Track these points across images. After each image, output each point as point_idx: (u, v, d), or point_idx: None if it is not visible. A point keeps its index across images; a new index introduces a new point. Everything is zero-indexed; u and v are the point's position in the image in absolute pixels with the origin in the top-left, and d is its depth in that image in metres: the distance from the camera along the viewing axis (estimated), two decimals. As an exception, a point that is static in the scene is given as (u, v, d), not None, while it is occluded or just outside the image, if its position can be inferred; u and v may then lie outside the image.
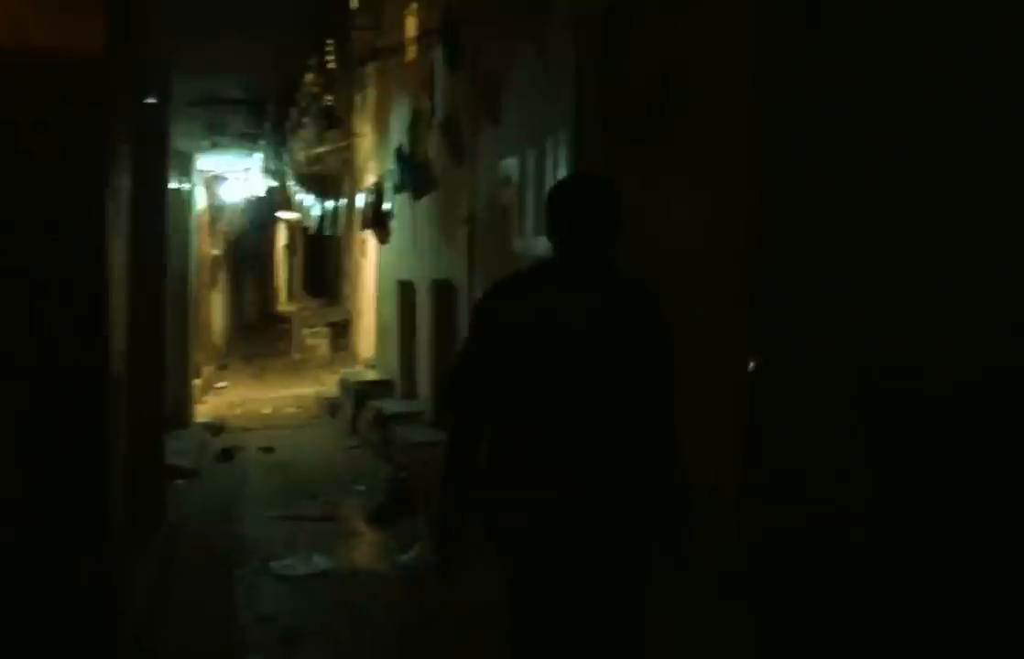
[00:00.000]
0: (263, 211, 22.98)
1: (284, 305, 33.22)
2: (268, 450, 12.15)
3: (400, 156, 11.57)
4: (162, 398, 8.12)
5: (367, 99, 16.83)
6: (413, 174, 11.24)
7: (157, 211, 7.75)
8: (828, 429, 4.81)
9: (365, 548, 8.19)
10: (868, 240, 4.89)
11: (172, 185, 9.79)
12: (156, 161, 7.75)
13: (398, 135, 12.86)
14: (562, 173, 8.08)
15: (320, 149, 17.38)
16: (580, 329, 3.53)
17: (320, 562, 7.41)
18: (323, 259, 28.77)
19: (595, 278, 3.60)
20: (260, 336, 26.46)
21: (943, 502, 4.51)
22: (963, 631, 4.38)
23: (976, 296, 4.67)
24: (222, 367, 20.17)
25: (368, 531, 8.57)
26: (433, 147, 11.22)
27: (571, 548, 3.51)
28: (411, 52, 12.45)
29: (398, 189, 11.87)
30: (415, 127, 11.48)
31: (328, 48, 12.58)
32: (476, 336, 3.72)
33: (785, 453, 4.86)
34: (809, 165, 5.02)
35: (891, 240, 4.87)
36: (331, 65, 12.95)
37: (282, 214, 25.17)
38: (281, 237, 33.85)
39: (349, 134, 17.76)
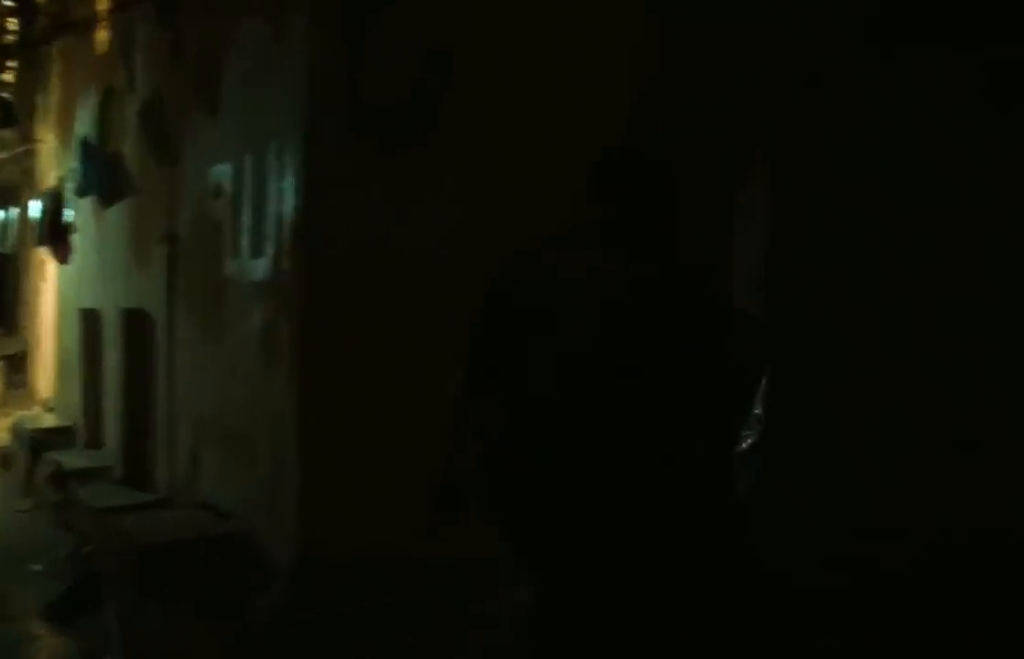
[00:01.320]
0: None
1: (-45, 336, 30.30)
2: (-76, 519, 10.15)
3: (86, 150, 9.55)
4: None
5: (50, 99, 14.92)
6: (101, 172, 9.25)
7: None
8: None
9: (42, 660, 6.55)
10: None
11: None
12: None
13: (85, 126, 10.93)
14: (289, 184, 6.95)
15: (-7, 156, 15.46)
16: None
17: (-18, 690, 5.76)
18: (1, 283, 26.64)
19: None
20: (-75, 372, 23.61)
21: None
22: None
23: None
24: None
25: (46, 633, 6.95)
26: (130, 139, 9.37)
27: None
28: (104, 32, 10.63)
29: (82, 192, 9.79)
30: (106, 110, 9.56)
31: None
32: None
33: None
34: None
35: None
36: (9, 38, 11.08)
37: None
38: (-46, 258, 31.07)
39: (31, 139, 15.76)
